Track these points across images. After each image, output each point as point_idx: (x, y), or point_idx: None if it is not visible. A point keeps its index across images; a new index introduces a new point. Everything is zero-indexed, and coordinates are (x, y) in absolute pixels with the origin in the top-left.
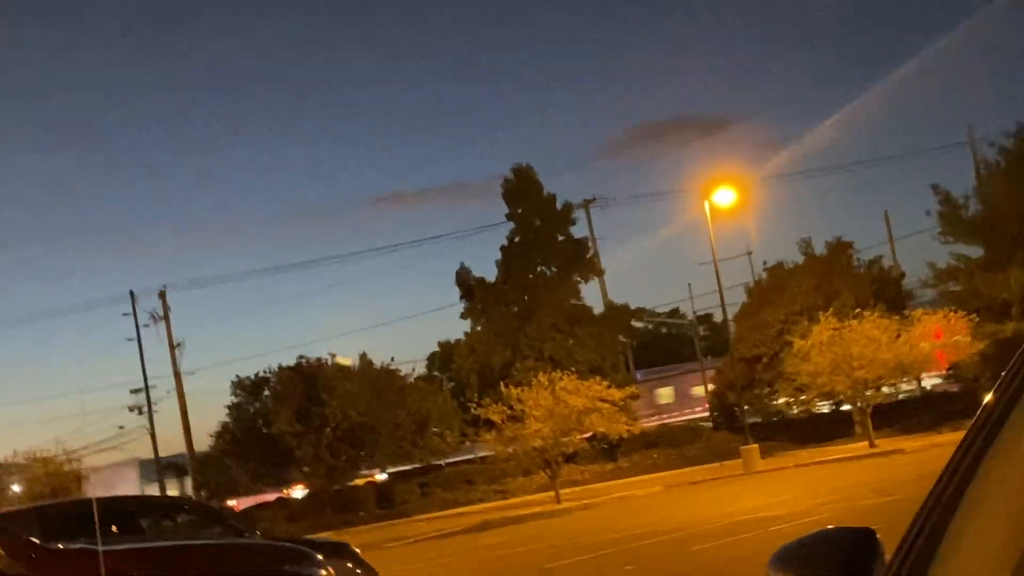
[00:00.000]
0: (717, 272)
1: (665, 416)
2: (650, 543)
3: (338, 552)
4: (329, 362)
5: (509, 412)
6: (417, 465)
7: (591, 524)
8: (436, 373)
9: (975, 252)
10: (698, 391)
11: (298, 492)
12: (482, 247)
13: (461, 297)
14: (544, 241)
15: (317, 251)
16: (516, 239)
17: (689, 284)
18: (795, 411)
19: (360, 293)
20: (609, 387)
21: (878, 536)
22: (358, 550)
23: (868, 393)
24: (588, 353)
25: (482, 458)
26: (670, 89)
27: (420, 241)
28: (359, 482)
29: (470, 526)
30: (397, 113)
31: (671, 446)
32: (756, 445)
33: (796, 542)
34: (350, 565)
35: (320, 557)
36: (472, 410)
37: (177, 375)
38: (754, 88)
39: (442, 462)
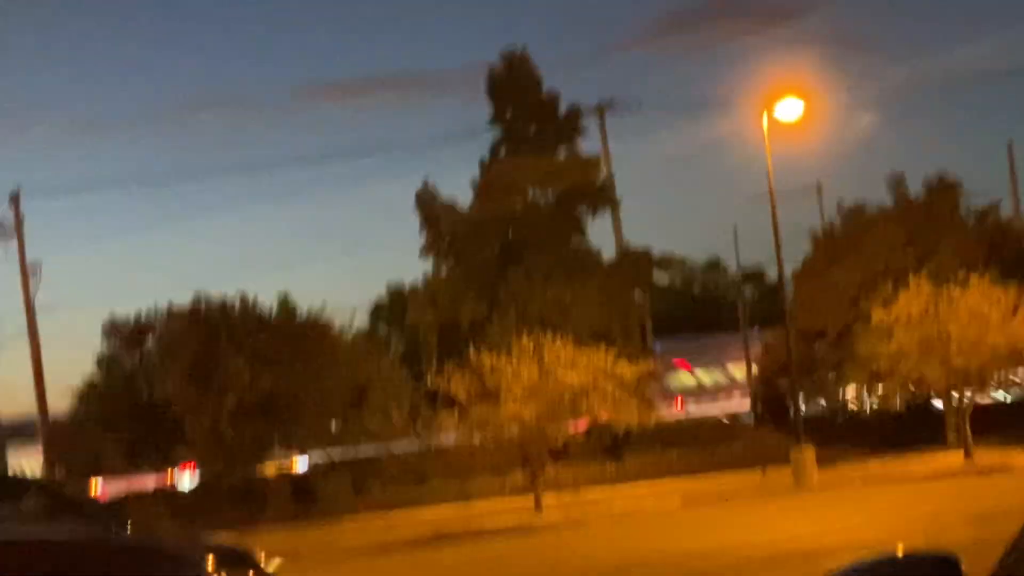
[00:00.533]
0: (774, 212)
1: (691, 404)
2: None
3: (237, 561)
4: (237, 306)
5: (479, 387)
6: (350, 452)
7: (581, 546)
8: (382, 329)
9: None
10: (738, 372)
11: (186, 478)
12: (453, 161)
13: (421, 228)
14: (539, 156)
15: (227, 155)
16: (501, 151)
17: (735, 227)
18: (868, 407)
19: (283, 214)
20: (618, 360)
21: (963, 567)
22: (262, 556)
23: (968, 389)
24: (591, 313)
25: (439, 448)
26: None
27: (366, 148)
28: (270, 470)
29: (418, 538)
30: None
31: (697, 445)
32: (812, 449)
33: (855, 568)
34: (251, 573)
35: (209, 565)
36: (428, 382)
37: (30, 309)
38: None
39: (384, 450)
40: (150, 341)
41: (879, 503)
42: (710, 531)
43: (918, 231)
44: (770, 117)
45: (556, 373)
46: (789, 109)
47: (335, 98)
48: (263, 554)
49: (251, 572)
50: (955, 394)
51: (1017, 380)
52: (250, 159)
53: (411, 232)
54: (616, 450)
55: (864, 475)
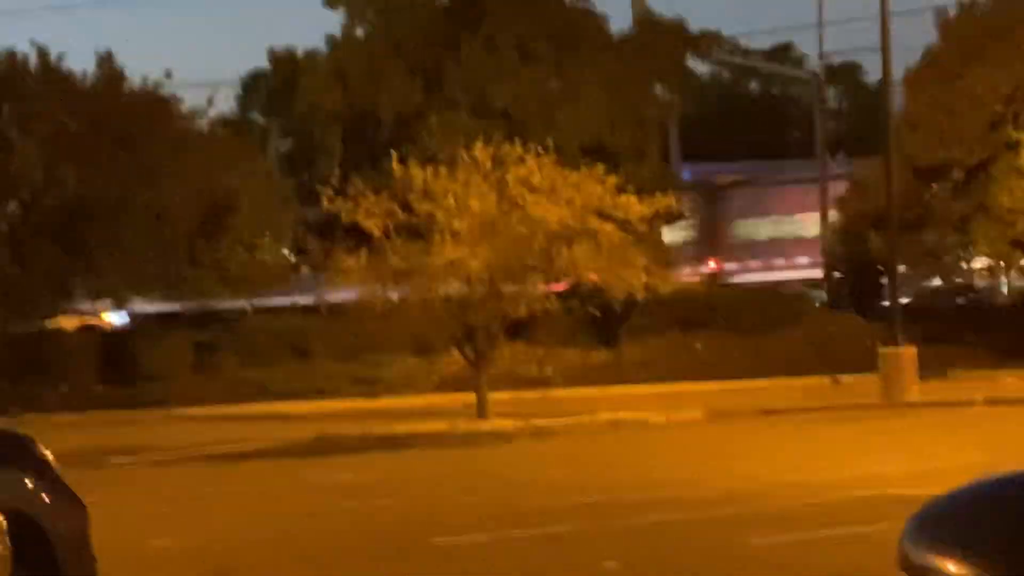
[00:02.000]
0: None
1: (731, 265)
2: (665, 519)
3: (8, 453)
4: (33, 64)
5: (403, 217)
6: (195, 305)
7: (546, 469)
8: (257, 117)
9: None
10: (807, 223)
11: None
12: None
13: None
14: None
15: None
16: None
17: None
18: (1005, 288)
19: None
20: (623, 190)
21: None
22: (49, 455)
23: None
24: (587, 113)
25: (334, 306)
26: None
27: None
28: (69, 323)
29: (291, 444)
30: None
31: (736, 330)
32: (913, 348)
33: (944, 499)
34: (27, 481)
35: None
36: (324, 203)
37: None
38: None
39: (249, 303)
40: None
41: (1010, 431)
42: (747, 460)
43: None
44: None
45: (525, 204)
46: None
47: None
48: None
49: (28, 471)
50: None
51: None
52: None
53: None
54: (610, 330)
55: (991, 391)
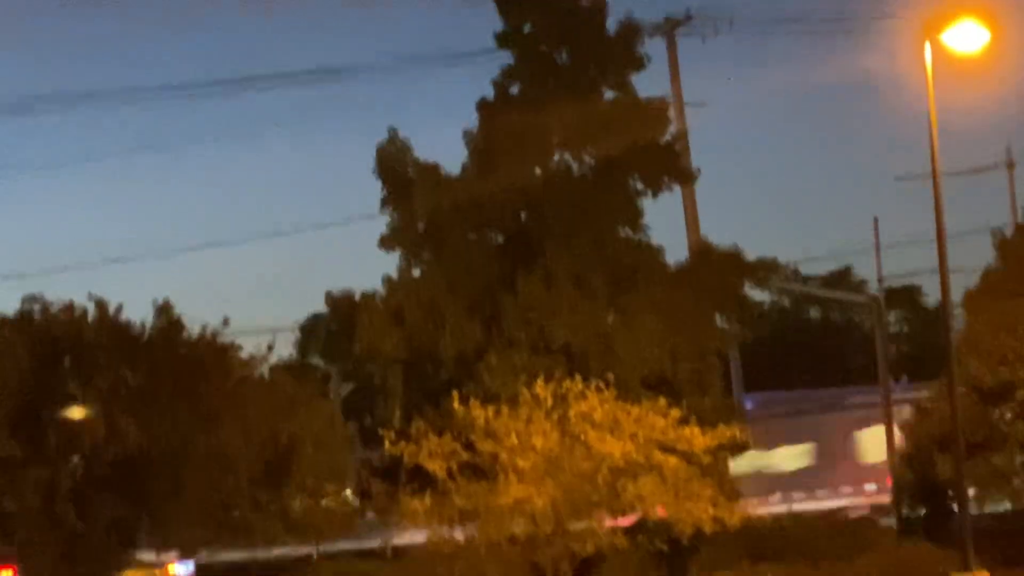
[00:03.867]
0: (937, 194)
1: (798, 493)
2: None
3: None
4: (91, 315)
5: (466, 457)
6: (260, 552)
7: None
8: (317, 360)
9: None
10: (874, 447)
11: None
12: (437, 100)
13: (384, 203)
14: (573, 98)
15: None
16: (513, 88)
17: (875, 221)
18: None
19: (168, 176)
20: (686, 422)
21: None
22: None
23: None
24: (646, 346)
25: (400, 549)
26: None
27: (294, 70)
28: None
29: None
30: None
31: (805, 559)
32: (985, 574)
33: None
34: None
35: None
36: (387, 445)
37: None
38: None
39: (314, 549)
40: None
41: None
42: None
43: None
44: (935, 48)
45: (588, 440)
46: (965, 37)
47: None
48: None
49: None
50: None
51: None
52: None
53: (368, 207)
54: (679, 564)
55: None
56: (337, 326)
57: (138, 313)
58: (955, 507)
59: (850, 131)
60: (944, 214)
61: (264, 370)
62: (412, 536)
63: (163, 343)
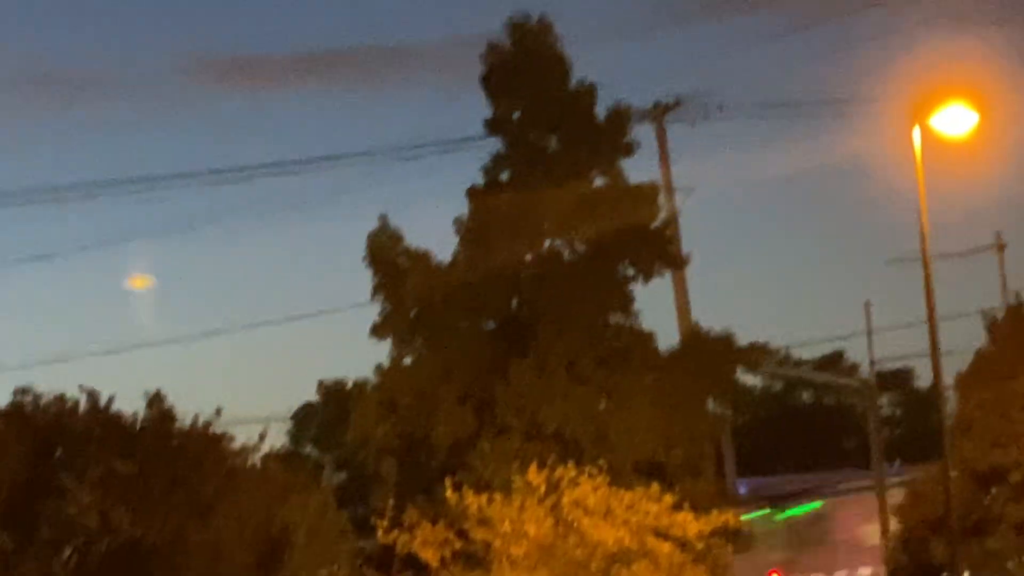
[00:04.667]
0: (927, 277)
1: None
2: None
3: None
4: (82, 406)
5: (459, 544)
6: None
7: None
8: (310, 449)
9: None
10: (868, 530)
11: None
12: (426, 185)
13: (376, 291)
14: (563, 183)
15: (85, 167)
16: (502, 173)
17: (867, 305)
18: None
19: (165, 262)
20: (678, 507)
21: None
22: None
23: None
24: (639, 431)
25: None
26: None
27: (286, 158)
28: None
29: None
30: None
31: None
32: None
33: None
34: None
35: None
36: (380, 534)
37: None
38: None
39: None
40: None
41: None
42: None
43: None
44: (924, 132)
45: (581, 527)
46: (954, 120)
47: (237, 81)
48: None
49: None
50: None
51: None
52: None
53: (358, 295)
54: None
55: None
56: (330, 415)
57: (129, 404)
58: None
59: (841, 214)
60: (935, 297)
61: (256, 459)
62: None
63: (155, 433)
